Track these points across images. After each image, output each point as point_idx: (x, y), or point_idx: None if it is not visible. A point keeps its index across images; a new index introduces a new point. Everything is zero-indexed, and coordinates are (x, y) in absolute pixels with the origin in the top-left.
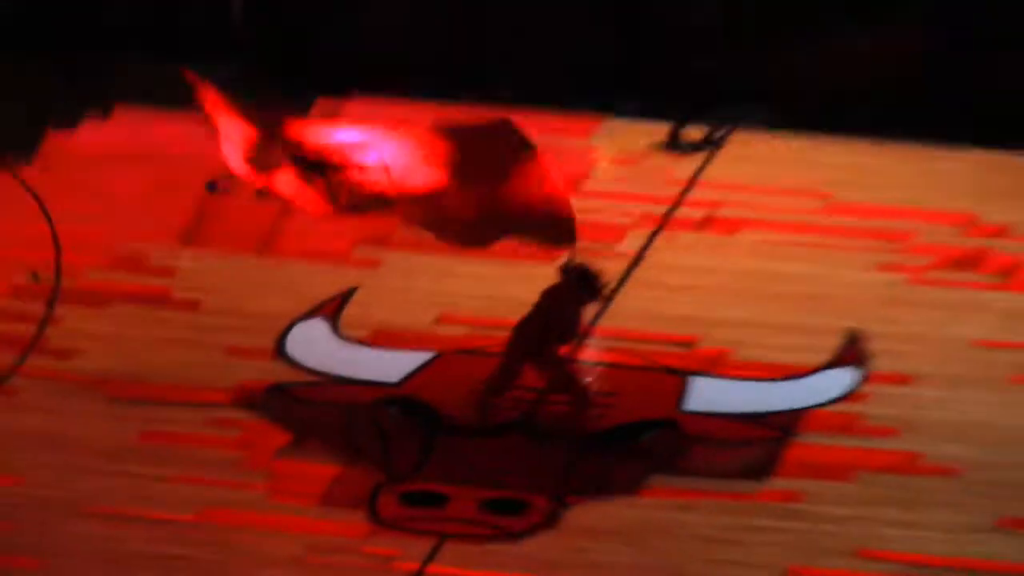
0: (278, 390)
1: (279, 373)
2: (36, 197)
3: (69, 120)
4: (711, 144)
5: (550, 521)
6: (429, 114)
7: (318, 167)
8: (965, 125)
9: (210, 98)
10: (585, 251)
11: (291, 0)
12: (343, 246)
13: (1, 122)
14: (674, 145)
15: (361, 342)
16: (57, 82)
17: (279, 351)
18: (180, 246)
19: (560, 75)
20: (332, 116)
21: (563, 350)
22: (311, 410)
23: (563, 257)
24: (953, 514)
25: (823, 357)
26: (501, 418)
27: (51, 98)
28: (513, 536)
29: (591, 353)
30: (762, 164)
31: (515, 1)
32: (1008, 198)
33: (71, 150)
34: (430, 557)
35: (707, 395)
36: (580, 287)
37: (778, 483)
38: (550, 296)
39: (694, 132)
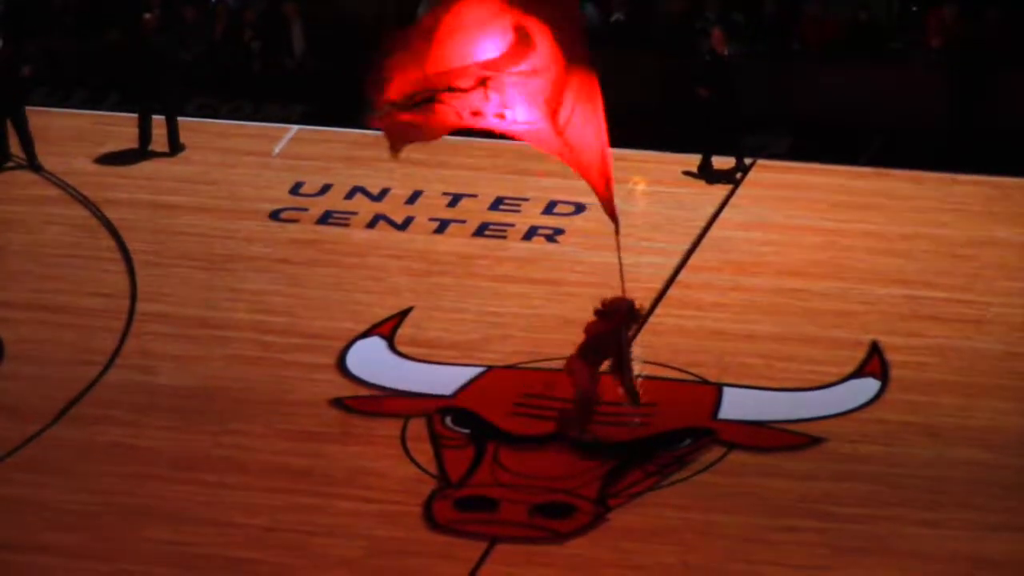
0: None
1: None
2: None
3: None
4: (739, 171)
5: (595, 524)
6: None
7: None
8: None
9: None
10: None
11: (348, 41)
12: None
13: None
14: (705, 173)
15: (415, 358)
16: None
17: (340, 367)
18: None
19: None
20: None
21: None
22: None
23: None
24: (976, 514)
25: (848, 368)
26: (545, 428)
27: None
28: (561, 538)
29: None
30: (782, 190)
31: None
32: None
33: None
34: (483, 559)
35: (740, 405)
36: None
37: (810, 485)
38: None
39: (722, 161)
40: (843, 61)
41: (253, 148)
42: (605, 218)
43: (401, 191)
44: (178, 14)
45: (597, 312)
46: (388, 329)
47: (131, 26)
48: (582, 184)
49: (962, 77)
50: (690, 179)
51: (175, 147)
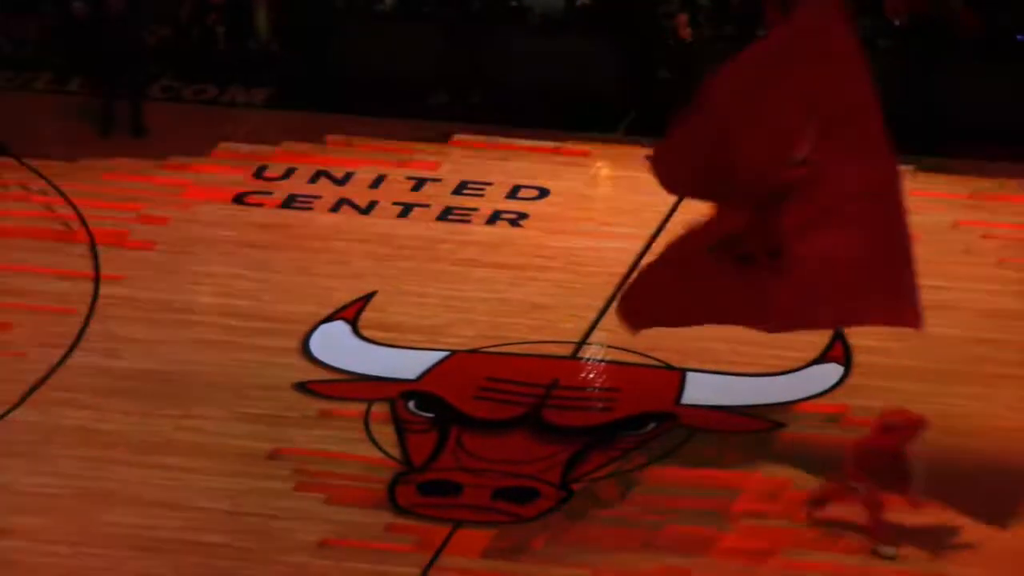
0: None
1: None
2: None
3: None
4: None
5: (558, 508)
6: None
7: None
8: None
9: None
10: None
11: (314, 23)
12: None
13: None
14: None
15: (379, 342)
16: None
17: (304, 350)
18: None
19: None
20: None
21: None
22: None
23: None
24: (940, 499)
25: (812, 354)
26: (509, 413)
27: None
28: (524, 522)
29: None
30: None
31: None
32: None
33: None
34: (445, 542)
35: (703, 390)
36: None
37: (772, 470)
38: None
39: None
40: None
41: (217, 131)
42: (569, 202)
43: (365, 175)
44: None
45: (882, 424)
46: (352, 313)
47: (95, 7)
48: (545, 168)
49: (915, 57)
50: None
51: (138, 130)
